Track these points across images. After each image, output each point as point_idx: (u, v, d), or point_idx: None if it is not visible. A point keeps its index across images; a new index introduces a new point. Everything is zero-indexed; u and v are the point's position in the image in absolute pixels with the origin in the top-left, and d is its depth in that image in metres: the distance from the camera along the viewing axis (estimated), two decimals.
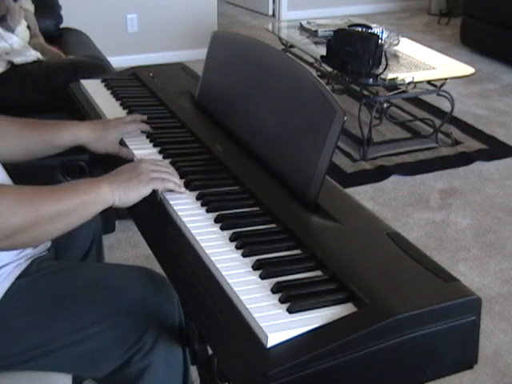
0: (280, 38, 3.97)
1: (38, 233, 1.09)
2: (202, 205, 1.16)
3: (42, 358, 1.18)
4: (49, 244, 1.35)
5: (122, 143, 1.42)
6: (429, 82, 3.36)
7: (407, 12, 6.28)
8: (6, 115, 1.40)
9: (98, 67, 2.32)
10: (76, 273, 1.27)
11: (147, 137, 1.45)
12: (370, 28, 3.55)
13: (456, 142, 3.45)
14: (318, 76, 3.29)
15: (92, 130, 1.40)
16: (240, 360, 0.86)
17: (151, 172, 1.16)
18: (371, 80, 3.17)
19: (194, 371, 1.36)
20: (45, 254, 1.31)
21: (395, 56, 3.48)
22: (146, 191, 1.15)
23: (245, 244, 1.03)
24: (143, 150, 1.39)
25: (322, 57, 3.32)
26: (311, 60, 3.61)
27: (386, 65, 3.12)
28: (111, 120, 1.46)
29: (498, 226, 2.74)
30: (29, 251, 1.25)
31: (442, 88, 3.36)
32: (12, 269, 1.20)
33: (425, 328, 0.88)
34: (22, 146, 1.36)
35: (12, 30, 2.62)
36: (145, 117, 1.49)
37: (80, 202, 1.10)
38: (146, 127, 1.46)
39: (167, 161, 1.33)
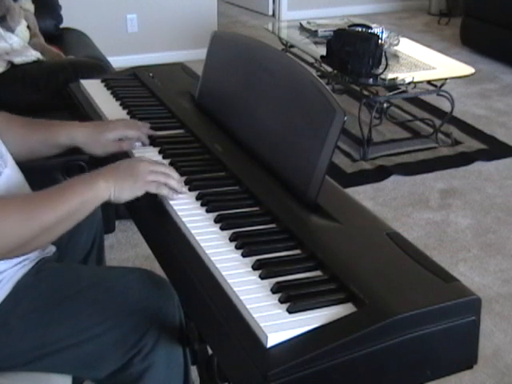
0: (280, 38, 3.97)
1: (41, 240, 1.12)
2: (202, 205, 1.16)
3: (44, 360, 1.18)
4: (54, 248, 1.35)
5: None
6: (429, 82, 3.36)
7: (407, 12, 6.28)
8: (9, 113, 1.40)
9: (97, 67, 2.32)
10: (77, 274, 1.27)
11: (147, 137, 1.44)
12: (370, 28, 3.55)
13: (456, 142, 3.45)
14: (318, 76, 3.29)
15: (87, 133, 1.38)
16: (240, 360, 0.86)
17: (149, 173, 1.16)
18: (371, 80, 3.17)
19: (193, 371, 1.36)
20: (49, 256, 1.31)
21: (395, 56, 3.48)
22: (139, 192, 1.16)
23: (245, 244, 1.03)
24: (143, 149, 1.38)
25: (322, 57, 3.32)
26: (311, 60, 3.61)
27: (386, 65, 3.12)
28: (112, 121, 1.44)
29: (498, 226, 2.74)
30: (35, 253, 1.25)
31: (442, 88, 3.36)
32: (16, 270, 1.19)
33: (425, 328, 0.88)
34: (24, 144, 1.36)
35: (12, 30, 2.63)
36: (150, 131, 1.43)
37: (79, 203, 1.11)
38: (146, 140, 1.40)
39: (167, 161, 1.32)
